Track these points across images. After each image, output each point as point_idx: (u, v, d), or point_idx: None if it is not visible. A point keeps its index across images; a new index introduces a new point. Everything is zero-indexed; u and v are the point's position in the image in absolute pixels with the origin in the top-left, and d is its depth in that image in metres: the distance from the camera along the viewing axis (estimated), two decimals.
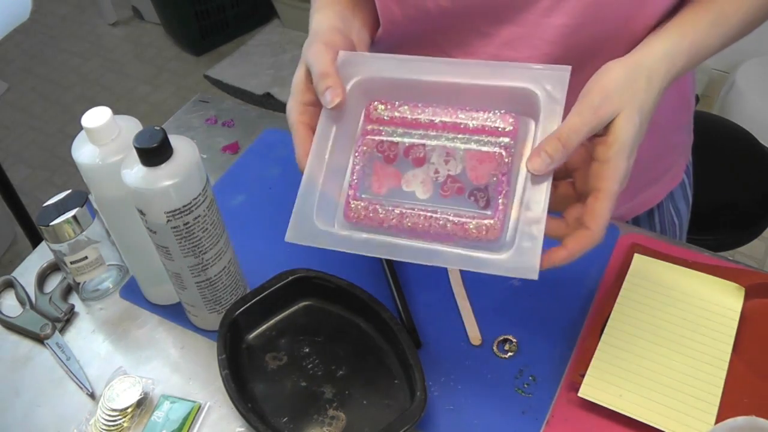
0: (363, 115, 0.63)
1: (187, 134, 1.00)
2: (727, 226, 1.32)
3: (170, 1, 2.73)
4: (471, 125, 0.59)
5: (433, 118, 0.60)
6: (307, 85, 0.64)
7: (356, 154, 0.62)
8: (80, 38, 3.06)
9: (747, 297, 0.71)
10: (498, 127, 0.59)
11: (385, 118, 0.62)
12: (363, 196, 0.61)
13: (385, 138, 0.62)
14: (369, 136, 0.62)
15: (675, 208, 0.93)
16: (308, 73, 0.63)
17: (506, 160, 0.58)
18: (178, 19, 2.79)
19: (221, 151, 0.98)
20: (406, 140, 0.61)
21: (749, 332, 0.69)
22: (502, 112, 0.59)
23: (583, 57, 0.68)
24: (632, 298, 0.72)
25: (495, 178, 0.58)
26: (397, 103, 0.62)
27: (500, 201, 0.57)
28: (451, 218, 0.58)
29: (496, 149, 0.58)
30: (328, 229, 0.59)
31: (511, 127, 0.59)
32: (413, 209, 0.59)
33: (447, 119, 0.60)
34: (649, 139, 0.73)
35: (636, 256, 0.76)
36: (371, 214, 0.60)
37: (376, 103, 0.62)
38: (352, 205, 0.61)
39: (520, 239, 0.55)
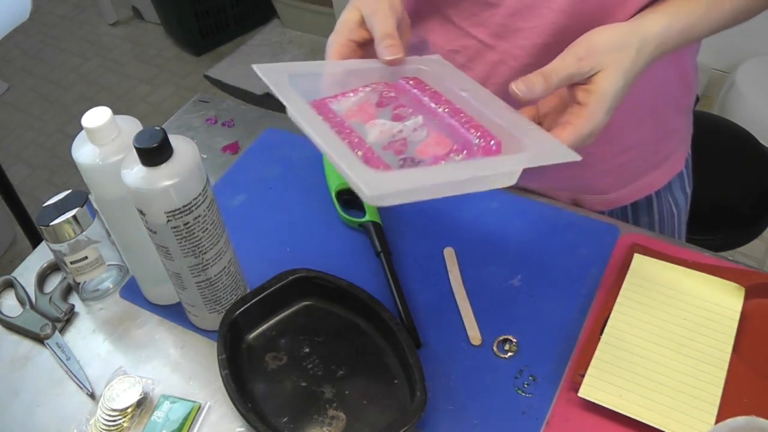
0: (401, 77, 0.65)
1: (187, 134, 1.00)
2: (727, 226, 1.32)
3: (170, 1, 2.73)
4: (461, 122, 0.59)
5: (439, 108, 0.61)
6: (360, 26, 0.65)
7: (366, 87, 0.63)
8: (80, 38, 3.07)
9: (747, 297, 0.71)
10: (477, 138, 0.58)
11: (414, 86, 0.64)
12: (333, 107, 0.62)
13: (394, 92, 0.63)
14: (385, 84, 0.64)
15: (674, 198, 0.93)
16: (362, 22, 0.65)
17: (454, 150, 0.57)
18: (178, 19, 2.79)
19: (221, 151, 0.98)
20: (405, 100, 0.62)
21: (749, 332, 0.69)
22: (493, 133, 0.58)
23: (589, 26, 0.69)
24: (632, 298, 0.72)
25: (431, 159, 0.57)
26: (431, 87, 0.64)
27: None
28: (365, 155, 0.57)
29: (457, 144, 0.58)
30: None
31: (486, 145, 0.57)
32: (348, 133, 0.58)
33: (449, 112, 0.60)
34: (649, 121, 0.74)
35: (636, 256, 0.76)
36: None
37: (414, 80, 0.65)
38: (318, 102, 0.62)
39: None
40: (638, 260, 0.75)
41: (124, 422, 0.69)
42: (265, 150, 0.96)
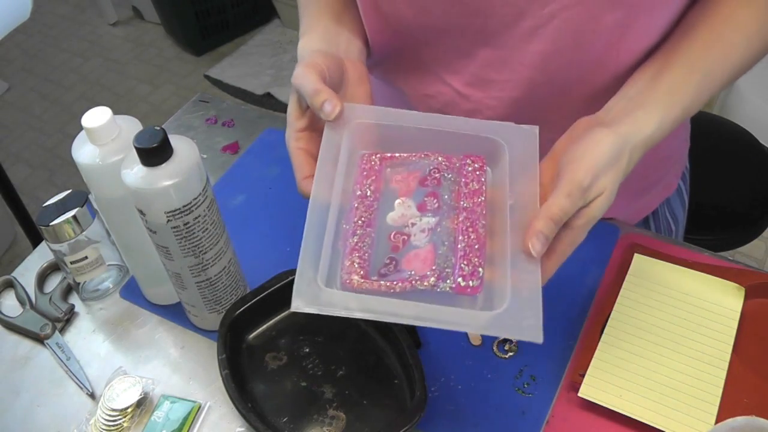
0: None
1: (187, 134, 1.00)
2: (727, 226, 1.32)
3: (170, 1, 2.73)
4: (461, 245, 0.57)
5: (464, 211, 0.59)
6: (299, 112, 0.62)
7: (427, 156, 0.62)
8: (80, 38, 3.06)
9: (747, 297, 0.71)
10: (462, 272, 0.56)
11: (464, 169, 0.62)
12: (387, 168, 0.61)
13: (444, 171, 0.62)
14: (444, 158, 0.62)
15: (672, 213, 0.93)
16: (299, 101, 0.62)
17: (426, 282, 0.55)
18: (178, 19, 2.79)
19: (221, 151, 0.98)
20: (442, 190, 0.61)
21: (749, 332, 0.69)
22: (481, 273, 0.56)
23: (564, 82, 0.68)
24: (632, 298, 0.72)
25: (408, 275, 0.56)
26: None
27: (382, 283, 0.55)
28: (358, 243, 0.57)
29: (437, 271, 0.56)
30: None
31: (464, 284, 0.56)
32: (370, 211, 0.59)
33: (466, 223, 0.59)
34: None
35: (636, 256, 0.76)
36: (364, 173, 0.61)
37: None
38: (373, 158, 0.62)
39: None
40: (638, 260, 0.75)
41: (124, 422, 0.69)
42: (265, 150, 0.96)
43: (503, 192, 0.59)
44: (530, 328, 0.52)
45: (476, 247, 0.57)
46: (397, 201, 0.60)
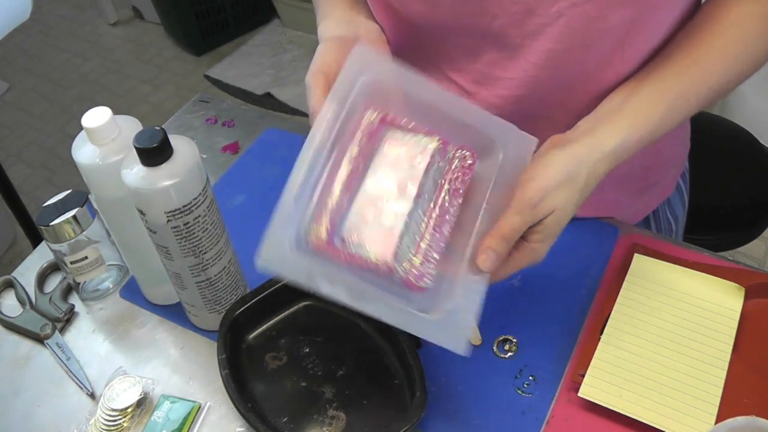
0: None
1: (187, 134, 1.00)
2: (727, 226, 1.32)
3: (170, 1, 2.73)
4: (425, 239, 0.58)
5: (443, 204, 0.60)
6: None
7: (436, 129, 0.62)
8: (80, 38, 3.06)
9: (747, 297, 0.71)
10: (414, 269, 0.57)
11: (456, 161, 0.62)
12: (405, 119, 0.61)
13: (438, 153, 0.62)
14: (449, 143, 0.62)
15: (672, 213, 0.93)
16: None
17: (379, 264, 0.56)
18: (178, 19, 2.79)
19: (221, 151, 0.98)
20: (432, 171, 0.61)
21: (749, 332, 0.69)
22: (432, 274, 0.57)
23: (570, 81, 0.68)
24: (632, 298, 0.72)
25: (367, 249, 0.57)
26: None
27: (346, 252, 0.56)
28: (332, 204, 0.58)
29: (395, 259, 0.56)
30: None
31: (413, 282, 0.57)
32: (355, 175, 0.59)
33: (438, 217, 0.59)
34: (640, 151, 0.73)
35: (636, 256, 0.76)
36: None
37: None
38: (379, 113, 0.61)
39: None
40: (638, 260, 0.75)
41: (124, 422, 0.69)
42: (265, 150, 0.96)
43: (483, 191, 0.60)
44: (457, 341, 0.55)
45: (439, 244, 0.58)
46: (381, 170, 0.59)
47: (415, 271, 0.57)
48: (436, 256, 0.58)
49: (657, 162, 0.84)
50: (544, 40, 0.65)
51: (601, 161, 0.61)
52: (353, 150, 0.59)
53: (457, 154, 0.61)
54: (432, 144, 0.61)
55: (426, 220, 0.58)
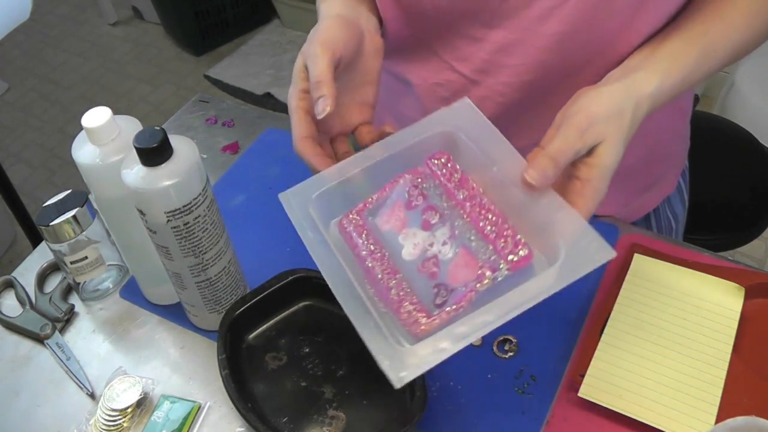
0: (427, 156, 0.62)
1: (187, 134, 1.00)
2: (727, 226, 1.32)
3: (170, 1, 2.73)
4: (487, 230, 0.56)
5: (466, 204, 0.58)
6: (305, 74, 0.63)
7: (395, 182, 0.61)
8: (80, 38, 3.07)
9: (747, 297, 0.71)
10: (506, 249, 0.55)
11: (436, 171, 0.61)
12: (369, 218, 0.60)
13: (421, 185, 0.61)
14: (413, 175, 0.61)
15: (672, 212, 0.93)
16: (305, 66, 0.63)
17: (485, 279, 0.54)
18: (178, 19, 2.79)
19: (221, 151, 0.98)
20: (432, 200, 0.60)
21: (749, 332, 0.69)
22: (521, 240, 0.55)
23: (577, 64, 0.68)
24: (632, 298, 0.72)
25: (463, 288, 0.55)
26: (456, 169, 0.61)
27: (447, 309, 0.54)
28: (398, 293, 0.55)
29: (485, 265, 0.55)
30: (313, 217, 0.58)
31: (516, 258, 0.55)
32: (384, 261, 0.57)
33: (476, 210, 0.58)
34: (641, 146, 0.73)
35: (636, 256, 0.76)
36: (353, 234, 0.59)
37: (439, 156, 0.61)
38: (350, 218, 0.60)
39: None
40: (638, 260, 0.75)
41: (124, 422, 0.69)
42: (265, 150, 0.96)
43: (485, 167, 0.59)
44: (600, 251, 0.53)
45: (500, 221, 0.56)
46: (400, 237, 0.59)
47: (507, 253, 0.55)
48: (508, 229, 0.56)
49: (658, 158, 0.84)
50: (552, 24, 0.65)
51: (644, 101, 0.60)
52: (367, 248, 0.58)
53: (433, 163, 0.60)
54: (407, 180, 0.61)
55: (467, 218, 0.57)
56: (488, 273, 0.54)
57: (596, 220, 0.82)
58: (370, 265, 0.57)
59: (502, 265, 0.54)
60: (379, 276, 0.56)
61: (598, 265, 0.53)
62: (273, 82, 2.63)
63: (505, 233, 0.55)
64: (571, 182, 0.58)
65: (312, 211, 0.59)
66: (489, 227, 0.56)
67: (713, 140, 1.42)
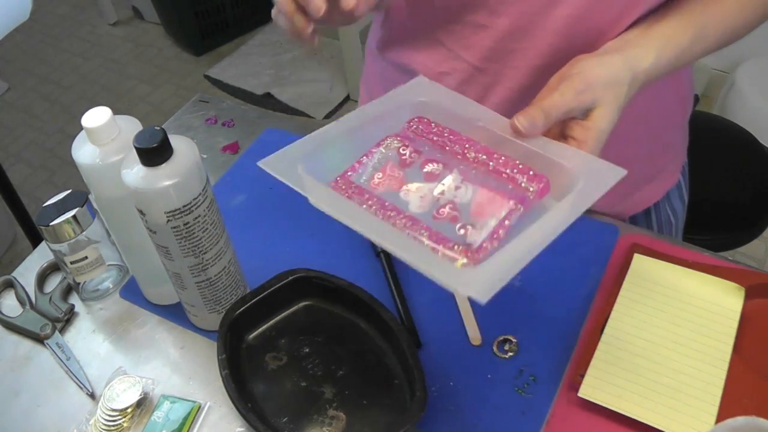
0: (405, 122, 0.62)
1: (187, 134, 1.00)
2: (727, 226, 1.32)
3: (170, 1, 2.73)
4: (500, 168, 0.57)
5: (468, 152, 0.59)
6: None
7: (377, 146, 0.60)
8: (80, 38, 3.07)
9: (747, 297, 0.71)
10: (523, 184, 0.56)
11: (424, 129, 0.61)
12: (357, 181, 0.59)
13: (411, 146, 0.60)
14: (396, 138, 0.61)
15: (672, 208, 0.93)
16: None
17: (514, 209, 0.54)
18: (178, 19, 2.79)
19: (221, 151, 0.98)
20: (430, 154, 0.59)
21: (749, 332, 0.69)
22: (535, 173, 0.56)
23: (582, 48, 0.68)
24: (632, 298, 0.72)
25: (494, 221, 0.54)
26: (443, 126, 0.61)
27: (485, 245, 0.53)
28: (425, 240, 0.53)
29: (512, 195, 0.55)
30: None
31: (537, 189, 0.56)
32: (394, 215, 0.55)
33: (481, 155, 0.58)
34: (643, 137, 0.73)
35: (636, 256, 0.76)
36: (354, 197, 0.57)
37: (418, 121, 0.61)
38: (339, 182, 0.59)
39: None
40: (638, 260, 0.75)
41: (124, 422, 0.69)
42: (265, 150, 0.95)
43: (468, 124, 0.60)
44: (609, 172, 0.54)
45: (509, 161, 0.57)
46: (401, 194, 0.57)
47: (530, 181, 0.55)
48: (518, 163, 0.57)
49: (660, 146, 0.85)
50: (562, 7, 0.66)
51: (639, 75, 0.61)
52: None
53: (416, 127, 0.61)
54: (392, 142, 0.61)
55: (478, 163, 0.58)
56: (514, 203, 0.55)
57: (596, 220, 0.82)
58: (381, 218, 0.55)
59: (532, 188, 0.55)
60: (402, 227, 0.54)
61: (614, 183, 0.54)
62: (273, 82, 2.62)
63: (521, 170, 0.57)
64: (566, 142, 0.59)
65: (302, 173, 0.57)
66: (501, 167, 0.57)
67: (713, 140, 1.42)
